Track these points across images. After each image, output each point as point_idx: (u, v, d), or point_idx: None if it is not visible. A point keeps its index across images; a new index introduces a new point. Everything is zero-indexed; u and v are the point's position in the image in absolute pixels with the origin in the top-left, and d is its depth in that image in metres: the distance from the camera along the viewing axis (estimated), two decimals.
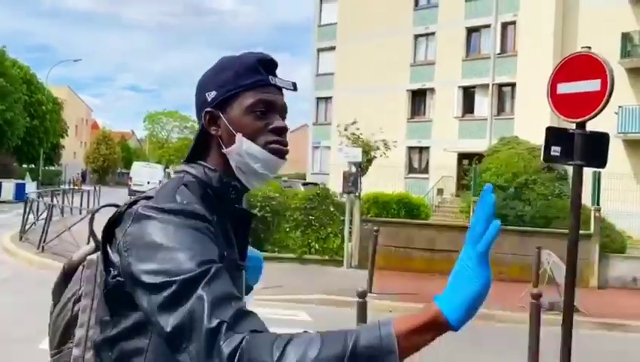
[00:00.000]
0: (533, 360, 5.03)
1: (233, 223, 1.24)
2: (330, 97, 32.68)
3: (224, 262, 1.07)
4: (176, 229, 1.06)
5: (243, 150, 1.20)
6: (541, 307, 5.18)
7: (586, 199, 12.74)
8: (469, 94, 28.08)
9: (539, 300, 5.14)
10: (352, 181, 11.72)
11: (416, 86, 29.52)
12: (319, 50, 34.04)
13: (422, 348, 0.93)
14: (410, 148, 29.65)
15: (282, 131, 1.23)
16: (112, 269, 1.12)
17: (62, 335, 1.29)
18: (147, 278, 1.02)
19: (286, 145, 1.23)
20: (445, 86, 28.13)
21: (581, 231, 12.08)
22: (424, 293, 10.06)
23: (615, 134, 22.32)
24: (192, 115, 2.39)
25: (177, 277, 0.99)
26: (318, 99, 33.73)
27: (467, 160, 24.82)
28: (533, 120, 20.28)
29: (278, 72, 1.28)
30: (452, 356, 6.93)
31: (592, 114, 4.70)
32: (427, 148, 29.11)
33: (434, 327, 0.93)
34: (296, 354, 0.90)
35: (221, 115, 1.22)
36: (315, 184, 21.32)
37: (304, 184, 22.96)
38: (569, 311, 4.72)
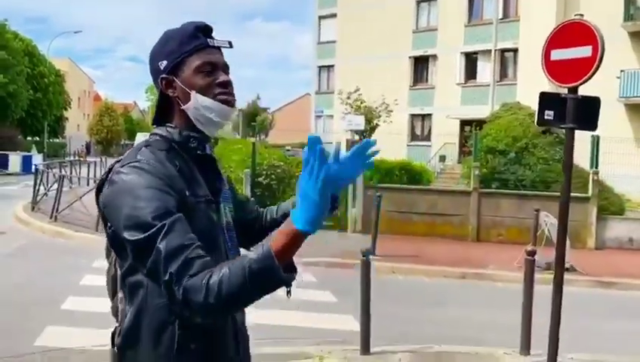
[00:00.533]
0: (527, 315, 5.32)
1: (200, 167, 1.51)
2: (332, 65, 32.64)
3: (189, 198, 1.40)
4: (137, 188, 1.31)
5: (199, 104, 1.47)
6: (537, 266, 5.45)
7: (586, 163, 12.99)
8: (471, 60, 28.03)
9: (533, 257, 5.42)
10: None
11: (418, 53, 29.44)
12: (320, 18, 33.84)
13: (295, 251, 1.23)
14: (413, 116, 29.75)
15: (227, 84, 1.48)
16: (108, 223, 1.40)
17: (112, 288, 1.56)
18: (122, 232, 1.30)
19: (233, 95, 1.48)
20: (447, 52, 28.06)
21: (579, 194, 12.39)
22: (425, 255, 10.42)
23: (617, 98, 22.40)
24: None
25: (142, 235, 1.25)
26: (320, 67, 33.69)
27: (469, 126, 24.95)
28: (535, 85, 20.23)
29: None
30: (450, 312, 7.29)
31: (583, 79, 4.89)
32: (429, 115, 29.21)
33: (297, 239, 1.21)
34: (214, 285, 1.19)
35: (175, 79, 1.48)
36: None
37: None
38: (560, 266, 5.00)
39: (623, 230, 12.34)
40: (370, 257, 9.33)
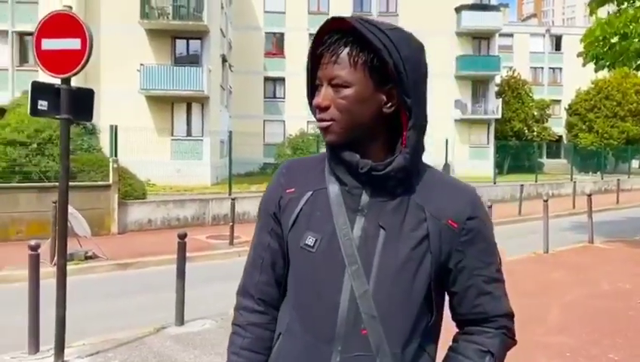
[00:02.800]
0: (34, 312, 5.12)
1: None
2: None
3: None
4: None
5: None
6: (39, 258, 5.29)
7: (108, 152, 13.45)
8: None
9: (37, 251, 5.25)
10: None
11: None
12: None
13: None
14: None
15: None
16: None
17: None
18: None
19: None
20: None
21: (100, 182, 12.75)
22: None
23: (138, 90, 24.01)
24: None
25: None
26: None
27: None
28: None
29: None
30: None
31: (74, 70, 4.98)
32: None
33: None
34: None
35: None
36: None
37: None
38: (62, 256, 4.99)
39: (143, 213, 13.37)
40: None
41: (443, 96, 33.75)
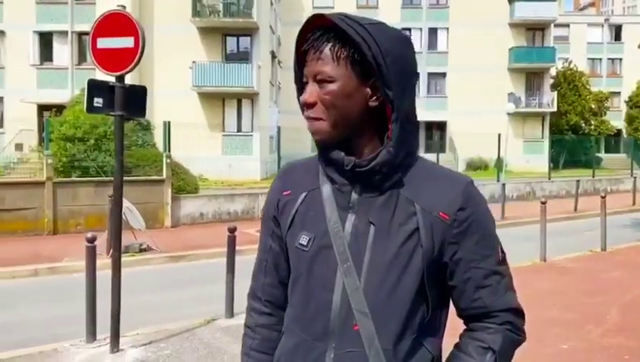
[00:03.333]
0: (91, 302, 5.31)
1: None
2: None
3: None
4: None
5: None
6: (96, 250, 5.48)
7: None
8: (46, 41, 26.12)
9: (93, 243, 5.44)
10: None
11: None
12: None
13: None
14: None
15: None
16: None
17: None
18: None
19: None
20: (18, 29, 25.44)
21: (154, 177, 13.09)
22: None
23: (191, 87, 24.53)
24: None
25: None
26: None
27: (49, 112, 23.34)
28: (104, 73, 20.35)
29: None
30: (19, 315, 6.72)
31: (128, 68, 5.11)
32: (0, 98, 26.04)
33: None
34: None
35: None
36: None
37: None
38: (116, 249, 5.16)
39: (195, 207, 13.67)
40: None
41: (496, 89, 32.97)
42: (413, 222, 1.15)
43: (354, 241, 1.16)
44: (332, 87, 1.14)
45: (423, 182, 1.18)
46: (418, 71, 1.23)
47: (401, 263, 1.14)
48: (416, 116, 1.20)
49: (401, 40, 1.17)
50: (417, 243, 1.14)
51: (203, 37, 25.40)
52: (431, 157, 27.06)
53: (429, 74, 34.70)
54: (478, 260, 1.18)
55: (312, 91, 1.17)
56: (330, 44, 1.15)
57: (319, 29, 1.17)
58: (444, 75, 34.91)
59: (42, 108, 24.90)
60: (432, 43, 35.10)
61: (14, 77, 25.52)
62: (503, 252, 1.24)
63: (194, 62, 24.40)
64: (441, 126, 34.60)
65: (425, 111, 31.94)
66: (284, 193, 1.29)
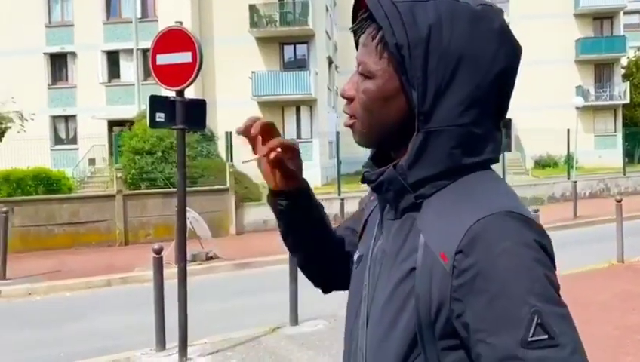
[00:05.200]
0: (160, 311, 5.47)
1: None
2: None
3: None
4: None
5: None
6: (162, 261, 5.64)
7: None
8: (113, 59, 27.34)
9: (160, 254, 5.59)
10: None
11: (54, 49, 27.23)
12: None
13: None
14: (55, 118, 27.48)
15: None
16: None
17: None
18: None
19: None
20: (87, 50, 26.76)
21: (218, 186, 13.37)
22: (67, 269, 9.79)
23: (250, 97, 24.98)
24: None
25: None
26: None
27: (119, 127, 24.40)
28: None
29: None
30: (93, 324, 6.99)
31: (188, 82, 5.23)
32: (74, 116, 27.42)
33: None
34: None
35: None
36: None
37: None
38: (181, 259, 5.27)
39: (259, 214, 13.84)
40: None
41: (562, 82, 31.67)
42: (412, 260, 0.88)
43: (373, 269, 0.97)
44: (369, 85, 0.92)
45: (443, 209, 0.88)
46: (502, 61, 0.89)
47: (393, 308, 0.89)
48: (481, 128, 0.90)
49: (462, 18, 0.87)
50: (411, 289, 0.87)
51: (261, 47, 25.82)
52: None
53: None
54: (487, 332, 0.78)
55: (352, 82, 0.97)
56: (372, 30, 0.91)
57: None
58: None
59: (112, 124, 26.06)
60: None
61: (85, 95, 26.82)
62: (542, 327, 0.76)
63: (253, 72, 24.83)
64: (505, 123, 33.47)
65: None
66: (372, 197, 1.12)
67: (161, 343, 5.48)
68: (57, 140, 27.66)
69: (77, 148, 26.53)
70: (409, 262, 0.88)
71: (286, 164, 1.07)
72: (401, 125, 0.92)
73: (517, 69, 0.93)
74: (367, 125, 0.95)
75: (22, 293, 8.48)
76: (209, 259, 10.30)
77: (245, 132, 1.03)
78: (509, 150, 30.52)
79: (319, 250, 1.19)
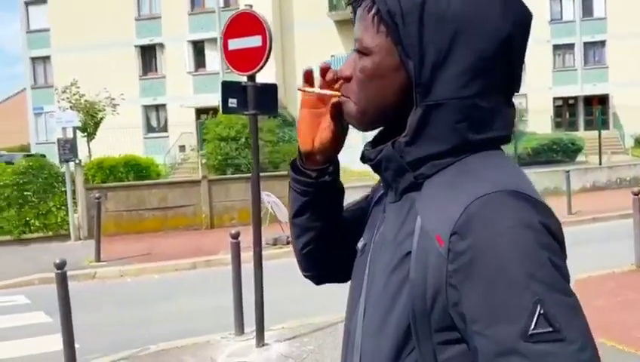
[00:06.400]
0: (238, 296, 5.52)
1: None
2: (47, 57, 29.57)
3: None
4: None
5: None
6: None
7: None
8: (198, 49, 28.19)
9: (237, 239, 5.63)
10: (68, 148, 11.00)
11: (144, 41, 28.48)
12: (27, 4, 30.33)
13: None
14: (146, 107, 28.82)
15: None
16: None
17: None
18: None
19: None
20: (174, 41, 27.76)
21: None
22: (157, 252, 10.20)
23: None
24: None
25: None
26: (34, 59, 30.25)
27: (206, 115, 25.25)
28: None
29: None
30: (178, 306, 7.22)
31: (259, 66, 5.18)
32: (164, 105, 28.63)
33: None
34: None
35: None
36: (43, 156, 19.41)
37: (27, 156, 20.71)
38: (257, 243, 5.28)
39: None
40: (94, 264, 8.73)
41: None
42: (408, 243, 0.80)
43: (373, 255, 0.90)
44: (366, 62, 0.85)
45: (441, 189, 0.80)
46: (508, 26, 0.80)
47: (390, 293, 0.82)
48: (488, 102, 0.80)
49: None
50: (406, 274, 0.79)
51: (340, 30, 25.66)
52: (592, 134, 24.73)
53: (585, 44, 31.58)
54: (484, 324, 0.70)
55: (350, 61, 0.89)
56: (369, 1, 0.84)
57: None
58: (603, 43, 31.56)
59: (199, 112, 26.95)
60: (587, 9, 31.85)
61: (174, 85, 27.89)
62: (546, 319, 0.68)
63: (332, 55, 24.70)
64: (602, 100, 31.37)
65: (582, 84, 29.16)
66: (381, 183, 1.03)
67: (240, 327, 5.54)
68: (149, 129, 29.01)
69: (167, 136, 27.71)
70: (405, 246, 0.81)
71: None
72: (402, 104, 0.84)
73: (527, 36, 0.83)
74: (364, 106, 0.87)
75: (115, 275, 8.92)
76: (290, 243, 10.37)
77: (323, 72, 0.97)
78: (607, 128, 28.54)
79: (329, 235, 1.08)
